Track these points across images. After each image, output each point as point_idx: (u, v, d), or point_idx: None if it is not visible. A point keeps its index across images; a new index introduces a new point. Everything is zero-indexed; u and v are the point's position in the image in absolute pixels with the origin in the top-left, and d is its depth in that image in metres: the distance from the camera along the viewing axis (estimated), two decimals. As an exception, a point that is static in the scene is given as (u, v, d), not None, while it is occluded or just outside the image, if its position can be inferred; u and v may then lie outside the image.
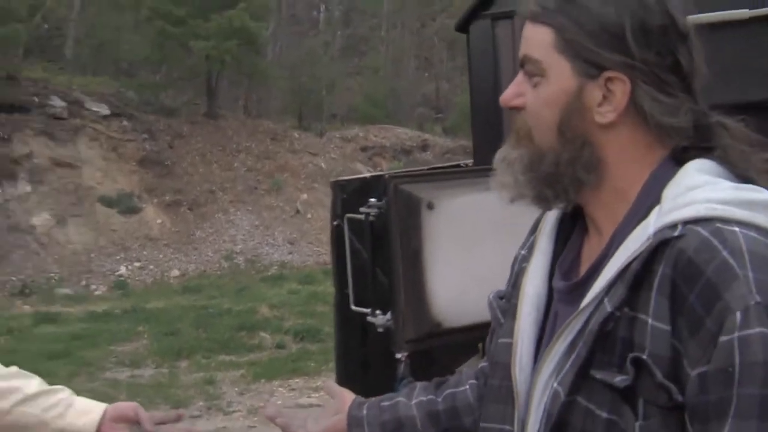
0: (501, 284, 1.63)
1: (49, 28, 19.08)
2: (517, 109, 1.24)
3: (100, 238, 15.98)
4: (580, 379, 1.14)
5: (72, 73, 18.73)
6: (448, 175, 3.02)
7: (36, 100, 16.93)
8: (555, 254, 1.31)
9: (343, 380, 3.75)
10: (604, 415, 1.12)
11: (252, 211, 17.45)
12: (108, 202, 16.49)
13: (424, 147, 22.30)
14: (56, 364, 8.53)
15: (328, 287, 13.18)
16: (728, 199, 1.09)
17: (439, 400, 1.60)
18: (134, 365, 8.72)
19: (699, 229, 1.06)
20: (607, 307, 1.11)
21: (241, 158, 18.96)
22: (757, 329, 1.00)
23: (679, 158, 1.17)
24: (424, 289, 2.73)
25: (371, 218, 2.84)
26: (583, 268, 1.25)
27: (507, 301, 1.43)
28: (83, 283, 14.58)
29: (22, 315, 11.67)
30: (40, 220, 15.37)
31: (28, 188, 15.66)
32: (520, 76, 1.24)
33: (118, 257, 15.62)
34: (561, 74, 1.18)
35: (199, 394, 7.59)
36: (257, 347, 9.37)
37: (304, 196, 18.55)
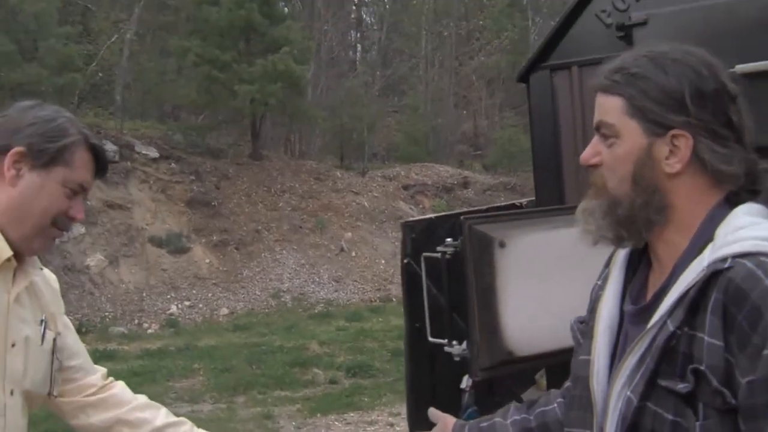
0: (566, 314, 1.88)
1: (102, 76, 19.71)
2: (595, 166, 1.51)
3: (150, 278, 16.35)
4: (650, 388, 1.39)
5: (122, 117, 19.29)
6: (517, 215, 3.27)
7: (89, 144, 17.49)
8: (625, 284, 1.57)
9: (414, 409, 3.96)
10: (670, 417, 1.36)
11: (297, 250, 17.76)
12: (158, 242, 16.89)
13: (465, 184, 22.52)
14: (119, 399, 8.85)
15: (375, 324, 13.44)
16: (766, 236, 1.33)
17: (531, 418, 1.85)
18: (193, 401, 8.99)
19: (745, 261, 1.31)
20: (670, 326, 1.36)
21: (285, 198, 19.33)
22: None
23: (732, 201, 1.44)
24: (496, 320, 2.95)
25: (447, 256, 3.09)
26: (649, 295, 1.50)
27: (585, 324, 1.69)
28: (136, 321, 14.94)
29: (81, 353, 12.04)
30: (94, 260, 15.81)
31: (83, 230, 16.11)
32: (596, 139, 1.53)
33: (168, 296, 15.97)
34: (633, 134, 1.45)
35: (258, 429, 7.83)
36: (311, 383, 9.60)
37: (348, 234, 18.83)
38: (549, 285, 2.92)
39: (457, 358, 3.09)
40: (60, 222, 1.85)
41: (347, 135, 23.74)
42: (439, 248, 3.10)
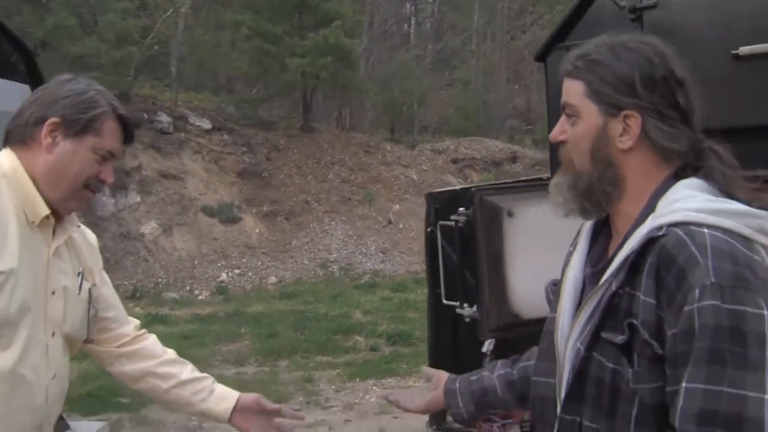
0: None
1: (158, 49, 20.15)
2: (562, 142, 1.72)
3: (202, 246, 16.80)
4: (594, 340, 1.61)
5: (176, 89, 19.72)
6: (525, 187, 3.47)
7: (145, 116, 17.94)
8: (590, 250, 1.78)
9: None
10: (610, 365, 1.58)
11: (346, 221, 18.06)
12: (210, 211, 17.32)
13: (514, 159, 22.55)
14: (169, 360, 9.26)
15: (419, 295, 13.67)
16: (701, 209, 1.53)
17: (515, 371, 2.08)
18: (238, 363, 9.35)
19: (677, 230, 1.51)
20: (613, 286, 1.58)
21: (335, 170, 19.62)
22: (710, 302, 1.43)
23: (678, 176, 1.64)
24: (504, 285, 3.17)
25: (460, 225, 3.31)
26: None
27: (556, 286, 1.91)
28: (187, 288, 15.41)
29: (136, 316, 12.47)
30: (149, 228, 16.31)
31: (138, 198, 16.63)
32: (563, 118, 1.75)
33: (219, 264, 16.40)
34: (591, 115, 1.66)
35: (298, 391, 8.14)
36: (352, 349, 9.89)
37: (396, 206, 19.06)
38: (554, 252, 3.11)
39: (467, 320, 3.33)
40: (92, 185, 2.08)
41: (398, 108, 23.87)
42: (452, 217, 3.33)
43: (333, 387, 8.29)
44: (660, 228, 1.52)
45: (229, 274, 16.15)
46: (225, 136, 19.14)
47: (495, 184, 3.82)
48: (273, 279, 16.22)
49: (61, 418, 6.45)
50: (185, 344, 10.18)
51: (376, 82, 23.86)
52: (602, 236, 1.76)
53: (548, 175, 4.85)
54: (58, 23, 16.34)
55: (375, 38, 26.72)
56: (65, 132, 2.03)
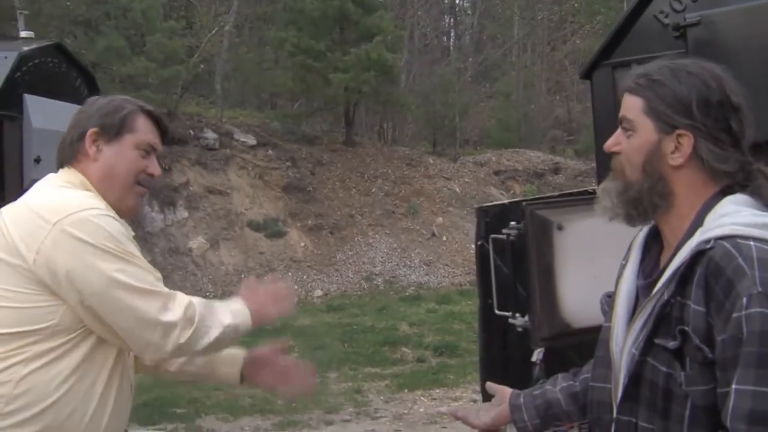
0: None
1: (203, 67, 20.55)
2: (616, 153, 1.86)
3: (248, 260, 17.05)
4: (649, 345, 1.73)
5: (222, 106, 20.08)
6: (575, 201, 3.58)
7: (191, 133, 18.31)
8: (642, 262, 1.91)
9: (487, 381, 4.29)
10: (664, 369, 1.71)
11: (390, 234, 18.21)
12: (256, 226, 17.57)
13: (557, 170, 22.52)
14: (221, 372, 9.46)
15: (464, 307, 13.77)
16: (747, 223, 1.65)
17: (577, 383, 2.19)
18: (288, 375, 9.52)
19: (724, 243, 1.63)
20: (665, 296, 1.70)
21: (378, 183, 19.78)
22: (757, 309, 1.55)
23: (726, 192, 1.77)
24: (555, 296, 3.29)
25: (512, 238, 3.44)
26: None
27: (610, 297, 2.03)
28: (235, 301, 15.65)
29: (186, 330, 12.80)
30: (196, 243, 16.61)
31: (186, 214, 16.95)
32: (619, 131, 1.89)
33: (265, 278, 16.58)
34: (647, 130, 1.79)
35: (348, 401, 8.29)
36: (399, 361, 10.02)
37: (440, 219, 19.16)
38: (602, 264, 3.22)
39: (519, 329, 3.45)
40: (143, 180, 2.29)
41: (439, 121, 24.00)
42: (504, 230, 3.46)
43: (382, 398, 8.43)
44: (708, 241, 1.64)
45: (276, 287, 16.34)
46: (270, 152, 19.42)
47: (544, 197, 3.94)
48: (319, 292, 16.41)
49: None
50: (236, 356, 10.41)
51: (417, 95, 24.02)
52: (653, 249, 1.88)
53: (594, 187, 4.96)
54: (108, 45, 16.82)
55: (415, 52, 26.90)
56: (106, 138, 2.24)
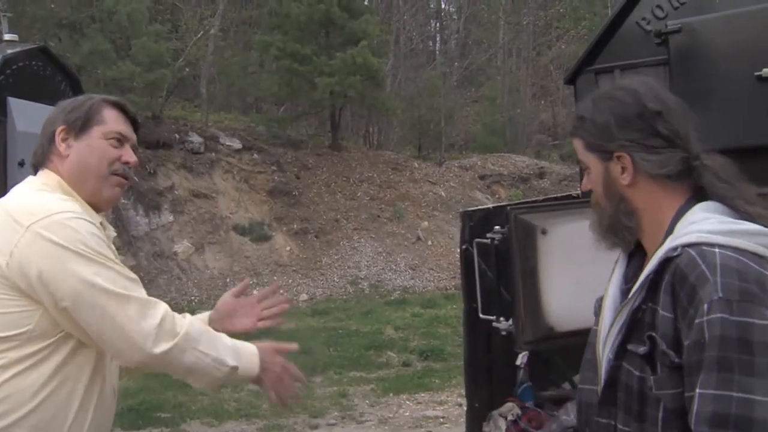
0: (602, 294, 2.24)
1: (188, 71, 20.51)
2: (590, 191, 1.97)
3: (234, 264, 17.03)
4: (623, 351, 1.80)
5: (207, 110, 20.05)
6: (559, 205, 3.61)
7: (177, 136, 18.26)
8: (628, 266, 1.96)
9: (471, 384, 4.32)
10: (637, 373, 1.76)
11: (375, 239, 18.22)
12: (241, 230, 17.55)
13: (542, 174, 22.61)
14: (206, 376, 9.44)
15: (450, 311, 13.80)
16: (713, 230, 1.71)
17: None
18: (274, 379, 9.51)
19: (690, 250, 1.69)
20: (636, 302, 1.77)
21: (363, 188, 19.80)
22: (718, 315, 1.60)
23: (699, 199, 1.81)
24: (539, 299, 3.31)
25: (496, 242, 3.47)
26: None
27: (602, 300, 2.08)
28: (220, 306, 15.60)
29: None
30: (182, 247, 16.56)
31: (171, 218, 16.90)
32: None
33: (251, 282, 16.54)
34: (594, 164, 1.90)
35: (333, 405, 8.29)
36: (385, 365, 10.03)
37: (425, 223, 19.19)
38: (586, 268, 3.25)
39: (503, 333, 3.47)
40: (118, 169, 2.27)
41: (425, 126, 24.04)
42: (489, 235, 3.48)
43: (367, 402, 8.43)
44: (675, 249, 1.70)
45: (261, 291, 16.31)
46: (255, 156, 19.40)
47: (528, 202, 3.96)
48: (304, 296, 16.40)
49: None
50: (221, 361, 10.39)
51: (402, 99, 24.06)
52: (638, 255, 1.93)
53: (578, 192, 4.99)
54: (93, 48, 16.77)
55: (401, 56, 26.94)
56: (74, 133, 2.24)
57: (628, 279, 1.91)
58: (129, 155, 2.28)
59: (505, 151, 24.11)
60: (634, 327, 1.76)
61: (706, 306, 1.59)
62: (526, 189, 21.02)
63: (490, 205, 4.57)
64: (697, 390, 1.58)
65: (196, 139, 18.56)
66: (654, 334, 1.70)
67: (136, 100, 16.16)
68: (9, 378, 1.99)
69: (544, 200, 3.96)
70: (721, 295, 1.59)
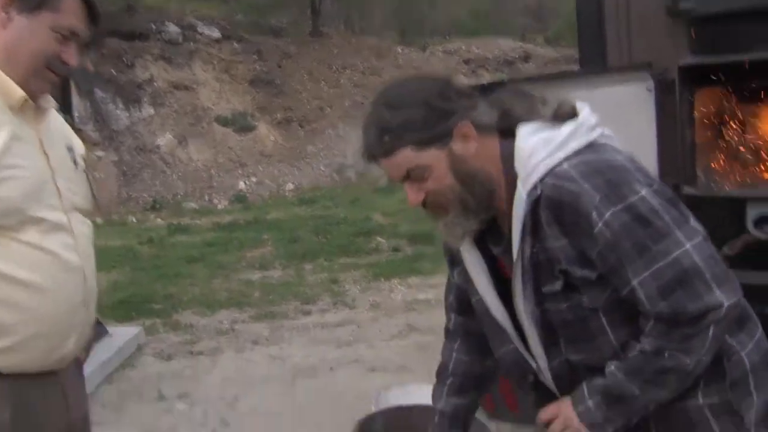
0: None
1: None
2: (424, 201, 1.85)
3: (218, 156, 16.86)
4: (540, 296, 1.79)
5: (183, -1, 19.46)
6: (556, 77, 3.47)
7: (153, 27, 17.77)
8: (482, 237, 1.92)
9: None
10: (564, 305, 1.78)
11: (360, 126, 17.99)
12: (224, 121, 17.31)
13: (527, 58, 22.27)
14: (195, 267, 9.42)
15: (437, 196, 13.70)
16: (549, 153, 1.73)
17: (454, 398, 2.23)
18: (263, 268, 9.51)
19: (547, 180, 1.71)
20: (527, 251, 1.76)
21: (347, 75, 19.46)
22: (608, 213, 1.66)
23: (505, 131, 1.82)
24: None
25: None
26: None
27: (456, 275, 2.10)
28: (206, 198, 15.55)
29: (158, 227, 12.71)
30: (164, 140, 16.34)
31: (151, 111, 16.61)
32: (410, 184, 1.84)
33: (236, 173, 16.48)
34: (435, 158, 1.81)
35: (325, 292, 8.29)
36: (375, 250, 10.02)
37: (410, 109, 18.96)
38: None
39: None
40: (54, 65, 1.99)
41: (407, 10, 23.50)
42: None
43: (358, 287, 8.44)
44: (535, 188, 1.71)
45: (247, 182, 16.25)
46: (235, 45, 18.97)
47: (515, 79, 3.82)
48: (290, 186, 16.33)
49: (99, 324, 6.61)
50: (210, 251, 10.37)
51: (384, -18, 23.44)
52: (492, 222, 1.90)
53: (566, 68, 4.85)
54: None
55: (382, -62, 26.07)
56: (20, 6, 1.95)
57: (497, 241, 1.88)
58: (71, 56, 2.00)
59: (489, 35, 23.65)
60: (538, 271, 1.76)
61: (594, 213, 1.65)
62: (511, 72, 20.71)
63: (474, 84, 4.42)
64: (634, 281, 1.67)
65: (173, 29, 18.08)
66: (562, 266, 1.72)
67: (108, -12, 15.62)
68: None
69: (540, 75, 3.82)
70: (598, 196, 1.65)
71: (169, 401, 5.67)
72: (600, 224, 1.65)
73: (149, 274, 9.28)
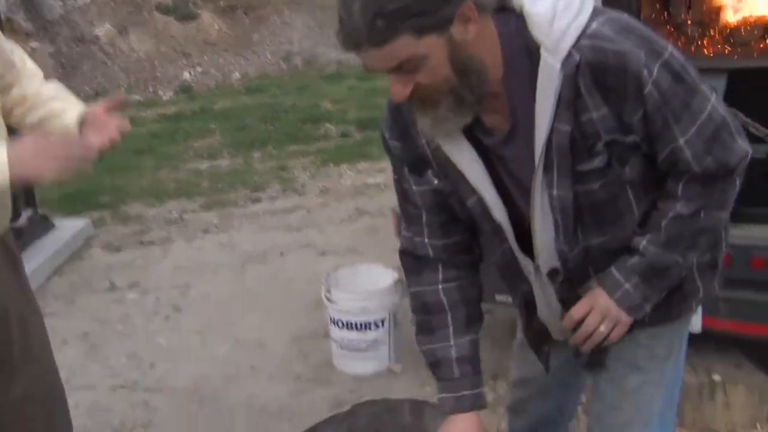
0: None
1: None
2: (411, 95, 1.68)
3: (160, 46, 16.37)
4: (576, 175, 1.68)
5: None
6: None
7: None
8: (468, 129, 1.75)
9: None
10: (596, 184, 1.69)
11: (306, 12, 17.57)
12: (165, 9, 16.72)
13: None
14: (142, 158, 9.28)
15: (386, 82, 13.54)
16: (574, 15, 1.57)
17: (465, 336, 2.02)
18: (211, 157, 9.41)
19: (582, 44, 1.56)
20: (564, 127, 1.62)
21: (290, -42, 18.84)
22: (655, 69, 1.57)
23: (501, 9, 1.64)
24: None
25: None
26: (500, 126, 1.72)
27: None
28: (150, 89, 15.19)
29: (101, 119, 12.42)
30: (103, 30, 15.78)
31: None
32: (398, 77, 1.66)
33: (180, 63, 16.07)
34: (434, 45, 1.56)
35: (274, 179, 8.25)
36: (323, 137, 9.95)
37: (356, -7, 18.52)
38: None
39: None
40: None
41: None
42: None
43: (307, 174, 8.41)
44: (570, 55, 1.55)
45: (192, 72, 15.87)
46: (171, -73, 18.16)
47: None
48: (237, 75, 15.99)
49: (45, 218, 6.54)
50: (156, 143, 10.20)
51: None
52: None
53: None
54: None
55: None
56: None
57: (489, 131, 1.74)
58: None
59: None
60: (573, 150, 1.65)
61: (645, 72, 1.55)
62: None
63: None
64: (680, 140, 1.63)
65: None
66: (606, 138, 1.63)
67: None
68: None
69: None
70: (643, 52, 1.55)
71: (120, 291, 5.69)
72: (650, 84, 1.55)
73: (95, 167, 9.09)
